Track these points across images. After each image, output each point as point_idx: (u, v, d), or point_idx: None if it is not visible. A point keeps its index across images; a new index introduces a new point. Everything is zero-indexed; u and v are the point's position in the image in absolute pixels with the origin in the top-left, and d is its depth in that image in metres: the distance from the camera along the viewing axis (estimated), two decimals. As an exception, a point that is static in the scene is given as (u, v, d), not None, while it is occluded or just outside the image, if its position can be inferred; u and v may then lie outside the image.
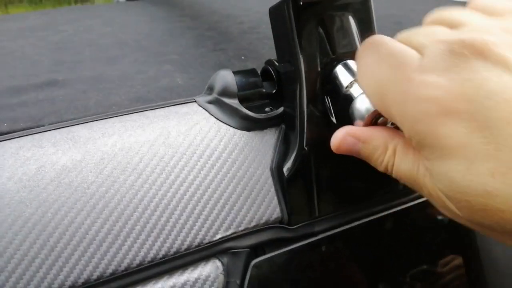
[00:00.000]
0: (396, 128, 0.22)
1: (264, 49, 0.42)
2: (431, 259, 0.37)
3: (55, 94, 0.33)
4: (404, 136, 0.21)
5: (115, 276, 0.24)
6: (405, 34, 0.21)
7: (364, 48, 0.21)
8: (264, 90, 0.30)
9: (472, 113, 0.16)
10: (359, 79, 0.22)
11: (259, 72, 0.31)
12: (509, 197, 0.15)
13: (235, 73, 0.30)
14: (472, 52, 0.16)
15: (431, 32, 0.20)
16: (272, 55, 0.29)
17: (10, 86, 0.35)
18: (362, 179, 0.29)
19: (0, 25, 0.73)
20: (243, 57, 0.43)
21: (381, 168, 0.22)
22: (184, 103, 0.30)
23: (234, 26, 0.58)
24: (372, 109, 0.22)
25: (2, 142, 0.26)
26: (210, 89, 0.30)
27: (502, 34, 0.17)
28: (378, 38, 0.21)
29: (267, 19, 0.28)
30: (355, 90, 0.24)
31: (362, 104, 0.23)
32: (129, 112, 0.28)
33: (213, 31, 0.55)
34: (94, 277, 0.24)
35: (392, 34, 0.22)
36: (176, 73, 0.39)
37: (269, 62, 0.31)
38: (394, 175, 0.21)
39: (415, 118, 0.18)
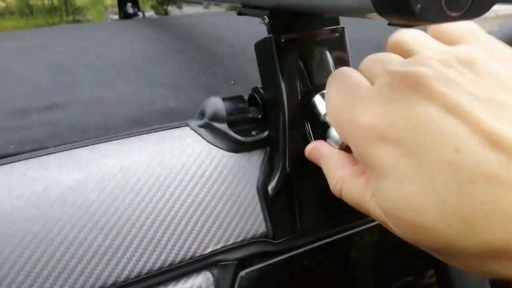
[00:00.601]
0: None
1: (251, 73, 0.44)
2: (414, 271, 0.40)
3: (56, 117, 0.36)
4: (354, 165, 0.24)
5: (117, 286, 0.26)
6: (366, 62, 0.24)
7: (330, 80, 0.24)
8: (250, 115, 0.32)
9: (401, 140, 0.18)
10: (326, 108, 0.25)
11: (246, 98, 0.33)
12: (433, 216, 0.18)
13: (224, 99, 0.32)
14: (407, 86, 0.19)
15: (386, 61, 0.22)
16: (259, 79, 0.32)
17: (14, 108, 0.37)
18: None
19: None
20: (232, 81, 0.46)
21: (332, 190, 0.24)
22: (177, 127, 0.32)
23: (224, 49, 0.61)
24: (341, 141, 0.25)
25: (11, 164, 0.28)
26: (202, 114, 0.33)
27: (444, 66, 0.19)
28: (342, 71, 0.24)
29: (254, 42, 0.30)
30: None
31: (334, 136, 0.26)
32: (127, 136, 0.31)
33: (204, 54, 0.58)
34: (97, 287, 0.26)
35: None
36: (169, 96, 0.41)
37: (255, 90, 0.33)
38: (343, 198, 0.24)
39: (358, 142, 0.20)
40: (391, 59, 0.22)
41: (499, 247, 0.16)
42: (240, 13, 0.33)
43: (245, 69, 0.50)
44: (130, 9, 1.31)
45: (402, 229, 0.19)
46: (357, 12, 0.20)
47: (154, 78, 0.46)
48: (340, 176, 0.24)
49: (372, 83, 0.22)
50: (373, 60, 0.23)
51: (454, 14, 0.17)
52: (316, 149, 0.27)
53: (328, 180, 0.25)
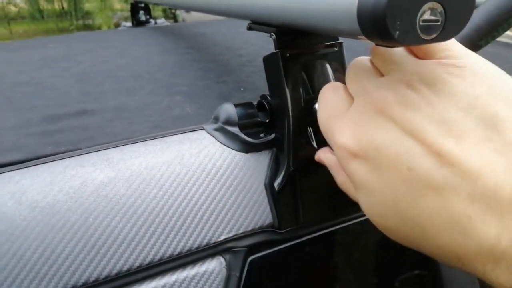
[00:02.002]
0: None
1: (259, 82, 0.48)
2: (418, 265, 0.42)
3: (86, 122, 0.39)
4: None
5: (142, 268, 0.29)
6: (349, 74, 0.25)
7: (320, 95, 0.27)
8: (259, 120, 0.35)
9: (368, 160, 0.21)
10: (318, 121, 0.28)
11: (255, 104, 0.37)
12: (396, 223, 0.20)
13: (235, 105, 0.36)
14: (375, 110, 0.21)
15: (364, 80, 0.24)
16: (265, 86, 0.35)
17: (47, 114, 0.41)
18: (340, 191, 0.35)
19: (21, 53, 0.79)
20: (242, 89, 0.49)
21: (339, 185, 0.27)
22: (194, 130, 0.35)
23: (234, 59, 0.65)
24: None
25: (50, 163, 0.31)
26: (216, 119, 0.36)
27: (408, 88, 0.21)
28: (330, 87, 0.27)
29: (262, 52, 0.34)
30: None
31: None
32: (151, 138, 0.34)
33: (216, 64, 0.62)
34: (125, 269, 0.29)
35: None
36: (186, 103, 0.44)
37: (263, 97, 0.36)
38: (348, 194, 0.26)
39: (339, 158, 0.23)
40: (367, 77, 0.24)
41: (449, 250, 0.19)
42: (250, 28, 0.36)
43: (253, 78, 0.53)
44: (142, 16, 1.35)
45: (382, 229, 0.22)
46: (350, 34, 0.23)
47: (172, 87, 0.49)
48: (342, 179, 0.26)
49: (352, 99, 0.25)
50: (354, 77, 0.25)
51: (427, 38, 0.20)
52: (320, 156, 0.30)
53: (335, 178, 0.28)
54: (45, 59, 0.70)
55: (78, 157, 0.32)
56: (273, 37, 0.32)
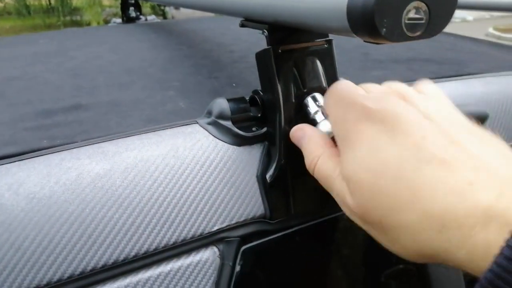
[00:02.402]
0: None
1: (251, 77, 0.48)
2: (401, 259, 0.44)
3: (81, 116, 0.39)
4: (332, 147, 0.28)
5: (137, 258, 0.30)
6: (367, 84, 0.30)
7: (330, 91, 0.28)
8: (251, 114, 0.36)
9: (385, 122, 0.23)
10: (327, 111, 0.29)
11: (247, 99, 0.37)
12: (388, 181, 0.22)
13: (228, 100, 0.36)
14: (397, 96, 0.25)
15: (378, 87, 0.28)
16: (257, 82, 0.36)
17: (42, 109, 0.41)
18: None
19: (12, 49, 0.78)
20: (234, 84, 0.50)
21: (307, 165, 0.29)
22: (188, 124, 0.36)
23: (226, 55, 0.65)
24: (330, 131, 0.29)
25: (47, 155, 0.32)
26: (209, 113, 0.36)
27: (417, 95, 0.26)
28: (342, 85, 0.28)
29: (254, 48, 0.34)
30: (319, 117, 0.31)
31: (323, 127, 0.30)
32: (145, 132, 0.35)
33: (207, 60, 0.62)
34: (121, 258, 0.30)
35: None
36: (179, 98, 0.45)
37: (255, 92, 0.37)
38: (315, 174, 0.28)
39: (348, 119, 0.25)
40: (376, 85, 0.30)
41: (436, 216, 0.20)
42: (242, 25, 0.37)
43: (245, 74, 0.54)
44: (132, 13, 1.34)
45: (359, 196, 0.23)
46: (340, 32, 0.24)
47: (164, 83, 0.50)
48: (318, 153, 0.28)
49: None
50: (368, 85, 0.30)
51: (412, 35, 0.21)
52: (300, 130, 0.31)
53: (305, 156, 0.29)
54: (37, 54, 0.69)
55: (74, 149, 0.32)
56: (265, 33, 0.33)
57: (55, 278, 0.28)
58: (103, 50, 0.71)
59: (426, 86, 0.29)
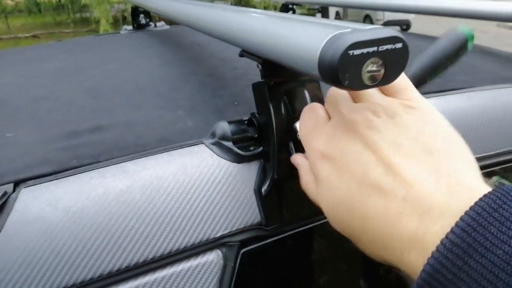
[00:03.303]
0: None
1: (251, 96, 0.54)
2: None
3: (102, 137, 0.45)
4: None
5: (155, 260, 0.36)
6: (329, 98, 0.32)
7: (303, 113, 0.34)
8: (249, 135, 0.42)
9: (334, 162, 0.28)
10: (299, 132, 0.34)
11: (245, 120, 0.43)
12: (345, 215, 0.27)
13: (229, 122, 0.42)
14: (346, 128, 0.29)
15: (340, 103, 0.31)
16: None
17: (69, 130, 0.47)
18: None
19: (34, 65, 0.85)
20: (236, 103, 0.55)
21: (302, 188, 0.34)
22: (195, 144, 0.42)
23: (228, 71, 0.71)
24: None
25: (78, 175, 0.38)
26: (213, 135, 0.42)
27: (373, 115, 0.28)
28: (311, 107, 0.34)
29: (253, 64, 0.39)
30: None
31: None
32: (159, 152, 0.41)
33: (212, 77, 0.68)
34: (141, 260, 0.35)
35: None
36: (187, 117, 0.51)
37: (253, 114, 0.43)
38: (308, 195, 0.33)
39: (311, 159, 0.30)
40: (343, 102, 0.31)
41: (379, 240, 0.25)
42: (241, 55, 0.43)
43: (245, 92, 0.59)
44: (142, 20, 1.41)
45: (331, 221, 0.29)
46: (315, 77, 0.29)
47: (174, 102, 0.56)
48: (307, 180, 0.33)
49: (329, 117, 0.32)
50: (332, 100, 0.32)
51: (371, 84, 0.27)
52: (295, 158, 0.37)
53: (300, 179, 0.35)
54: (59, 72, 0.76)
55: (101, 169, 0.38)
56: (259, 67, 0.39)
57: (88, 278, 0.34)
58: (117, 67, 0.77)
59: (412, 94, 0.30)
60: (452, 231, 0.21)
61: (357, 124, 0.28)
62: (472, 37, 0.40)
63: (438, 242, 0.21)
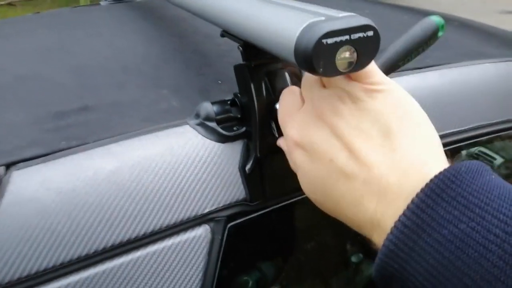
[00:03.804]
0: None
1: (234, 74, 0.55)
2: None
3: (89, 118, 0.46)
4: None
5: (146, 235, 0.38)
6: (304, 85, 0.33)
7: (281, 96, 0.36)
8: (232, 115, 0.44)
9: (306, 150, 0.30)
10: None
11: (228, 101, 0.45)
12: (320, 198, 0.29)
13: (213, 103, 0.44)
14: (316, 115, 0.30)
15: (312, 90, 0.32)
16: None
17: (55, 110, 0.48)
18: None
19: (13, 42, 0.84)
20: (219, 82, 0.57)
21: (291, 165, 0.35)
22: (180, 125, 0.43)
23: (213, 48, 0.71)
24: None
25: (68, 156, 0.39)
26: (197, 115, 0.44)
27: (339, 101, 0.29)
28: (289, 90, 0.35)
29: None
30: None
31: None
32: (145, 133, 0.42)
33: (196, 55, 0.68)
34: (133, 236, 0.38)
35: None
36: (171, 97, 0.52)
37: (235, 95, 0.44)
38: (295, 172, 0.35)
39: (287, 147, 0.32)
40: (314, 88, 0.32)
41: (352, 220, 0.27)
42: (222, 35, 0.44)
43: (229, 70, 0.60)
44: (122, -9, 1.38)
45: (311, 199, 0.31)
46: (292, 64, 0.31)
47: (157, 81, 0.57)
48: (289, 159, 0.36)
49: (303, 102, 0.33)
50: (305, 85, 0.33)
51: (344, 70, 0.29)
52: (280, 143, 0.39)
53: (289, 163, 0.37)
54: (39, 49, 0.75)
55: (89, 151, 0.40)
56: (240, 49, 0.40)
57: (84, 253, 0.36)
58: (100, 44, 0.77)
59: (377, 79, 0.30)
60: (403, 213, 0.23)
61: (324, 111, 0.30)
62: (442, 27, 0.42)
63: (392, 224, 0.23)
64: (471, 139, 0.58)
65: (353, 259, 0.56)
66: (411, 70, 0.58)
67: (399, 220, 0.23)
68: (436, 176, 0.23)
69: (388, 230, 0.24)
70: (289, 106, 0.34)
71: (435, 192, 0.22)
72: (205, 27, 0.85)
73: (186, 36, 0.82)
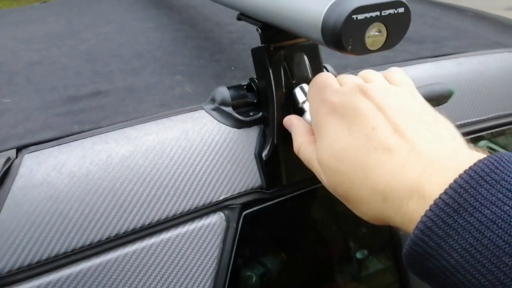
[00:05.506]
0: None
1: (248, 60, 0.53)
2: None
3: (103, 102, 0.45)
4: (312, 135, 0.33)
5: (160, 222, 0.36)
6: (341, 76, 0.34)
7: (311, 84, 0.34)
8: (249, 100, 0.42)
9: (345, 116, 0.29)
10: (309, 103, 0.35)
11: (244, 86, 0.43)
12: (348, 166, 0.28)
13: (228, 88, 0.41)
14: (359, 91, 0.30)
15: (351, 78, 0.34)
16: (253, 65, 0.40)
17: (68, 95, 0.46)
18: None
19: (24, 28, 0.82)
20: (233, 68, 0.54)
21: (294, 149, 0.35)
22: (195, 110, 0.41)
23: (224, 35, 0.69)
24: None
25: (81, 140, 0.37)
26: (213, 100, 0.42)
27: (379, 86, 0.31)
28: (320, 79, 0.34)
29: (248, 27, 0.39)
30: (306, 106, 0.37)
31: (308, 117, 0.36)
32: (160, 117, 0.40)
33: (208, 41, 0.66)
34: (147, 222, 0.36)
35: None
36: (185, 82, 0.50)
37: (252, 79, 0.42)
38: (299, 156, 0.34)
39: (320, 113, 0.31)
40: (353, 78, 0.34)
41: (379, 190, 0.26)
42: (239, 19, 0.42)
43: (242, 56, 0.58)
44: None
45: (327, 175, 0.29)
46: (317, 43, 0.29)
47: (171, 67, 0.55)
48: (301, 140, 0.34)
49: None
50: (344, 76, 0.34)
51: (373, 49, 0.26)
52: (289, 120, 0.37)
53: (293, 141, 0.35)
54: (50, 36, 0.73)
55: (102, 134, 0.38)
56: (259, 31, 0.38)
57: (96, 239, 0.35)
58: (111, 31, 0.75)
59: (395, 74, 0.34)
60: (450, 186, 0.22)
61: (370, 90, 0.30)
62: (451, 96, 0.50)
63: (436, 194, 0.23)
64: (489, 129, 0.55)
65: (358, 255, 0.55)
66: (429, 58, 0.55)
67: (445, 192, 0.22)
68: (481, 160, 0.23)
69: (430, 199, 0.23)
70: (330, 79, 0.34)
71: (479, 174, 0.22)
72: (216, 15, 0.83)
73: (197, 23, 0.79)
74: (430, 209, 0.22)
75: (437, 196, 0.22)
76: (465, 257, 0.21)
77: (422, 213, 0.23)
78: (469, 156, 0.24)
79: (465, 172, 0.22)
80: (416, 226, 0.23)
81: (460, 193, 0.22)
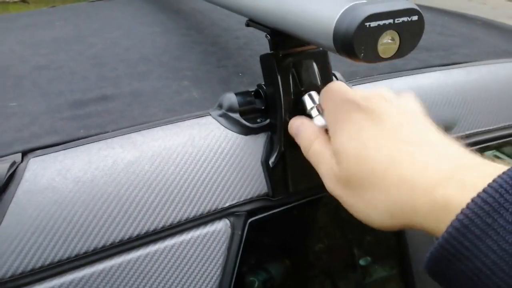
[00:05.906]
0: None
1: (255, 66, 0.52)
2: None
3: (109, 107, 0.44)
4: (325, 135, 0.33)
5: (165, 228, 0.36)
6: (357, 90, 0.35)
7: (325, 90, 0.34)
8: (256, 106, 0.41)
9: (370, 113, 0.29)
10: (323, 105, 0.35)
11: (252, 92, 0.42)
12: (370, 151, 0.28)
13: (236, 94, 0.41)
14: (380, 97, 0.30)
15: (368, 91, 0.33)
16: (261, 70, 0.40)
17: (74, 99, 0.46)
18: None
19: (31, 33, 0.82)
20: (240, 74, 0.54)
21: (303, 148, 0.34)
22: (202, 116, 0.41)
23: (232, 41, 0.69)
24: (322, 125, 0.34)
25: (86, 145, 0.37)
26: (220, 106, 0.41)
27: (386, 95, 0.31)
28: (335, 85, 0.34)
29: (256, 34, 0.38)
30: (314, 112, 0.36)
31: (317, 122, 0.35)
32: (166, 123, 0.40)
33: (215, 47, 0.66)
34: (152, 229, 0.35)
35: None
36: (192, 88, 0.50)
37: (259, 86, 0.42)
38: (310, 154, 0.33)
39: (342, 110, 0.31)
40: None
41: (409, 178, 0.26)
42: (248, 25, 0.41)
43: (249, 62, 0.58)
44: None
45: (345, 162, 0.29)
46: (328, 50, 0.28)
47: (178, 72, 0.54)
48: (314, 138, 0.33)
49: None
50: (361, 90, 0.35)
51: (386, 57, 0.26)
52: (299, 119, 0.36)
53: (302, 141, 0.34)
54: (58, 40, 0.73)
55: (108, 140, 0.37)
56: (268, 38, 0.37)
57: (100, 245, 0.34)
58: (119, 35, 0.75)
59: (403, 93, 0.34)
60: (495, 180, 0.22)
61: (393, 97, 0.31)
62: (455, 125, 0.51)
63: (479, 184, 0.22)
64: (498, 139, 0.54)
65: (362, 262, 0.54)
66: (438, 67, 0.55)
67: (489, 186, 0.22)
68: None
69: (473, 187, 0.22)
70: (345, 86, 0.34)
71: None
72: (223, 21, 0.83)
73: (204, 28, 0.79)
74: (472, 201, 0.22)
75: (479, 187, 0.22)
76: (504, 258, 0.20)
77: (460, 200, 0.22)
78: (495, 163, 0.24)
79: (504, 173, 0.22)
80: (451, 224, 0.22)
81: (501, 193, 0.21)
